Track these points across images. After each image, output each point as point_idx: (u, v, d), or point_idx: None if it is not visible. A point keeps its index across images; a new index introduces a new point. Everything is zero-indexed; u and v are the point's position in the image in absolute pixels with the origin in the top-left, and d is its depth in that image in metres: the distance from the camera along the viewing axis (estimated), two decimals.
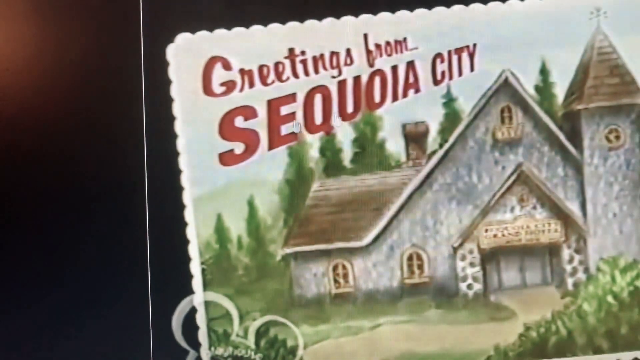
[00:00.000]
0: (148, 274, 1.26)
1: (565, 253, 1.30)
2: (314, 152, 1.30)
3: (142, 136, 1.26)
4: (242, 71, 1.28)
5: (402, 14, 1.28)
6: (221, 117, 1.28)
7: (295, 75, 1.28)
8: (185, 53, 1.28)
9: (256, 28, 1.27)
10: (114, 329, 1.27)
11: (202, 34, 1.27)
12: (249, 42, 1.28)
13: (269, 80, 1.28)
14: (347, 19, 1.28)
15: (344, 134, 1.30)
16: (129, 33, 1.25)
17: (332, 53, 1.28)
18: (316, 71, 1.28)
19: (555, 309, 1.26)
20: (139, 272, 1.26)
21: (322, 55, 1.28)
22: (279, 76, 1.28)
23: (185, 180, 1.28)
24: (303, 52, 1.28)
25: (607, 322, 1.25)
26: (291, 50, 1.28)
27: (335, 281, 1.32)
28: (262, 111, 1.29)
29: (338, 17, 1.28)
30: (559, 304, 1.27)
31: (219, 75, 1.28)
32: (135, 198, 1.26)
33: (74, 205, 1.27)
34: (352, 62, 1.28)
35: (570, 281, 1.29)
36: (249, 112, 1.29)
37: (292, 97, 1.29)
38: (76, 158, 1.26)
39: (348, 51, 1.28)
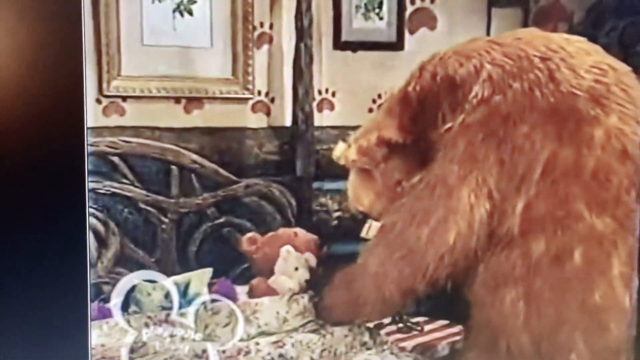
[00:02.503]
0: (87, 252, 1.25)
1: None
2: None
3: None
4: None
5: None
6: None
7: None
8: None
9: None
10: (51, 307, 1.25)
11: None
12: None
13: None
14: None
15: None
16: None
17: None
18: None
19: None
20: (78, 251, 1.25)
21: None
22: None
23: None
24: None
25: None
26: None
27: None
28: None
29: None
30: None
31: None
32: (75, 176, 1.25)
33: (15, 186, 1.25)
34: None
35: None
36: None
37: None
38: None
39: None
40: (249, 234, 1.33)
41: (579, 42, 1.17)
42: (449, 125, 1.16)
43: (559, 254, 1.12)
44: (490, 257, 1.16)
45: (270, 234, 1.33)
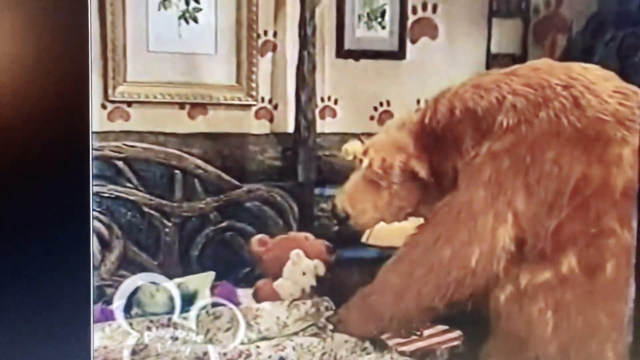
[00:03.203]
0: (91, 255, 1.26)
1: None
2: None
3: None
4: None
5: None
6: None
7: None
8: None
9: None
10: (54, 309, 1.26)
11: None
12: None
13: None
14: None
15: None
16: None
17: None
18: None
19: None
20: (82, 254, 1.26)
21: None
22: None
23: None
24: None
25: None
26: None
27: None
28: None
29: None
30: None
31: None
32: (79, 180, 1.26)
33: (20, 189, 1.26)
34: None
35: None
36: None
37: None
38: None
39: None
40: (259, 235, 1.34)
41: (595, 70, 1.19)
42: (473, 153, 1.18)
43: (590, 267, 1.14)
44: (518, 274, 1.18)
45: (281, 236, 1.35)
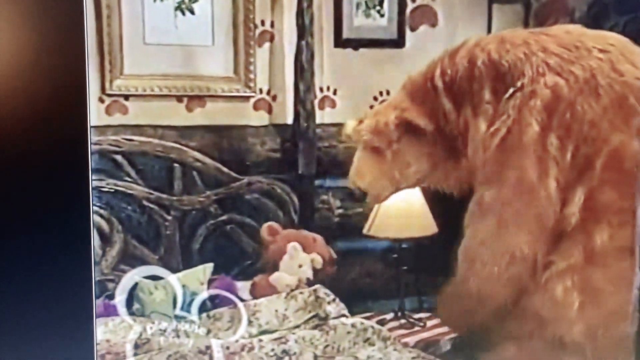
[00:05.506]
0: (92, 250, 1.26)
1: None
2: None
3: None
4: None
5: None
6: None
7: None
8: None
9: None
10: (57, 304, 1.26)
11: None
12: None
13: None
14: None
15: None
16: None
17: None
18: None
19: None
20: (82, 249, 1.26)
21: None
22: None
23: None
24: None
25: None
26: None
27: None
28: None
29: None
30: None
31: None
32: (79, 174, 1.25)
33: (19, 184, 1.26)
34: None
35: None
36: None
37: None
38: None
39: None
40: (270, 223, 1.33)
41: (631, 42, 1.17)
42: (492, 109, 1.15)
43: (623, 246, 1.11)
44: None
45: (290, 230, 1.34)
